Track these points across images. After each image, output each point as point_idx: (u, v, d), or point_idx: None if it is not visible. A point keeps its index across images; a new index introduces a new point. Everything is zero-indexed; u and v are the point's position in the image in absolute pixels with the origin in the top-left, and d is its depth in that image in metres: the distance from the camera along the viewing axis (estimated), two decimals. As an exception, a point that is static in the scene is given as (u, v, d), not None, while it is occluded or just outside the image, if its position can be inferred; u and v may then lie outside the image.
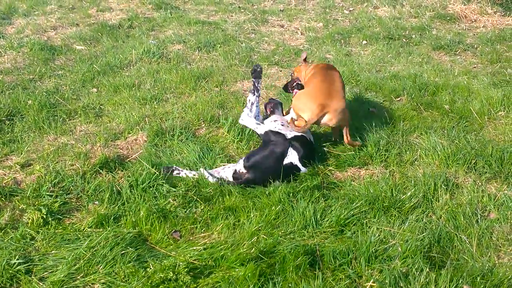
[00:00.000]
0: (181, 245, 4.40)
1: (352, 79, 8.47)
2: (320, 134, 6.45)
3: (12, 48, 9.38)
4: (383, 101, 7.67)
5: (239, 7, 13.81)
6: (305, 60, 6.66)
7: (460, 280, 3.94)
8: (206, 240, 4.50)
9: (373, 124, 6.42)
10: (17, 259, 4.11)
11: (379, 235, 4.48)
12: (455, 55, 10.35)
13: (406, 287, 3.89)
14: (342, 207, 4.86)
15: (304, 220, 4.68)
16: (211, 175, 5.37)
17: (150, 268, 4.04)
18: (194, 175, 5.41)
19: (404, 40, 11.16)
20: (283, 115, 6.25)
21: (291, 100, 6.26)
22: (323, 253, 4.25)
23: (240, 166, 5.39)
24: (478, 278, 3.98)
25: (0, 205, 4.87)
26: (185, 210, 4.90)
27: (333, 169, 5.71)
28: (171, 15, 12.45)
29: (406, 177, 5.52)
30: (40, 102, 7.00)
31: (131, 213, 4.79)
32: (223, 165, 5.65)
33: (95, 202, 4.97)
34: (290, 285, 3.93)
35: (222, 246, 4.33)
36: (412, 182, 5.35)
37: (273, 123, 5.83)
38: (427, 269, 4.03)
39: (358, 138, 6.15)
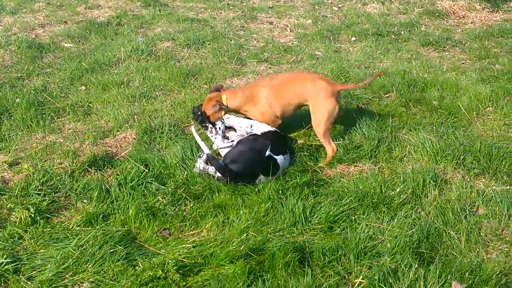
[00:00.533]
0: (170, 243, 4.40)
1: (341, 75, 8.47)
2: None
3: (0, 46, 9.32)
4: (372, 97, 7.68)
5: (228, 4, 13.79)
6: (220, 89, 6.26)
7: (449, 276, 3.96)
8: (196, 237, 4.50)
9: (362, 121, 6.43)
10: (5, 259, 4.09)
11: (368, 232, 4.49)
12: (444, 51, 10.38)
13: (395, 283, 3.89)
14: (331, 203, 4.86)
15: (293, 217, 4.68)
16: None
17: (139, 266, 4.04)
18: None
19: (393, 36, 11.18)
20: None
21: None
22: (312, 250, 4.26)
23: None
24: (467, 274, 3.99)
25: (-12, 204, 4.85)
26: (174, 207, 4.90)
27: (322, 165, 5.72)
28: (160, 12, 12.42)
29: (395, 173, 5.53)
30: (28, 100, 6.97)
31: (120, 211, 4.78)
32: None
33: (84, 201, 4.96)
34: (279, 282, 3.93)
35: (211, 244, 4.33)
36: (401, 178, 5.35)
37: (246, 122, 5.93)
38: (416, 265, 4.04)
39: (348, 135, 6.17)
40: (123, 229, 4.53)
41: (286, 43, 10.66)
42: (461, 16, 12.99)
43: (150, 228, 4.56)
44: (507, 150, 5.86)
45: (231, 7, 13.43)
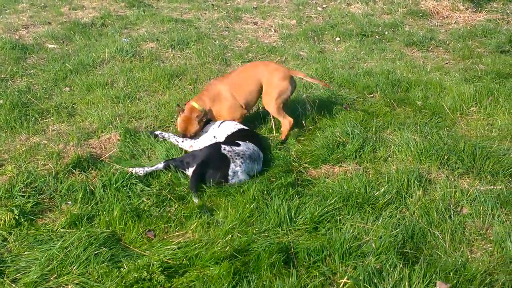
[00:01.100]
0: (155, 244, 4.37)
1: (325, 76, 8.50)
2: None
3: (-17, 47, 9.27)
4: (357, 97, 7.71)
5: (212, 4, 13.80)
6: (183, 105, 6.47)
7: (434, 276, 3.97)
8: (180, 239, 4.48)
9: (346, 121, 6.45)
10: (-11, 261, 4.07)
11: (353, 232, 4.50)
12: (428, 51, 10.45)
13: (380, 283, 3.90)
14: (316, 204, 4.86)
15: (278, 218, 4.68)
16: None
17: (124, 268, 4.02)
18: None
19: (377, 36, 11.24)
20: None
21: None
22: (297, 251, 4.26)
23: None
24: (451, 273, 4.00)
25: (-29, 206, 4.81)
26: (159, 209, 4.88)
27: (307, 166, 5.73)
28: (144, 13, 12.41)
29: (379, 173, 5.54)
30: (11, 101, 6.93)
31: (104, 212, 4.75)
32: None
33: (68, 202, 4.93)
34: (264, 283, 3.93)
35: (196, 245, 4.31)
36: (386, 178, 5.36)
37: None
38: (401, 265, 4.05)
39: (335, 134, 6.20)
40: (108, 230, 4.50)
41: (271, 43, 10.69)
42: (445, 16, 13.09)
43: (135, 230, 4.54)
44: (491, 149, 5.90)
45: (216, 8, 13.45)
